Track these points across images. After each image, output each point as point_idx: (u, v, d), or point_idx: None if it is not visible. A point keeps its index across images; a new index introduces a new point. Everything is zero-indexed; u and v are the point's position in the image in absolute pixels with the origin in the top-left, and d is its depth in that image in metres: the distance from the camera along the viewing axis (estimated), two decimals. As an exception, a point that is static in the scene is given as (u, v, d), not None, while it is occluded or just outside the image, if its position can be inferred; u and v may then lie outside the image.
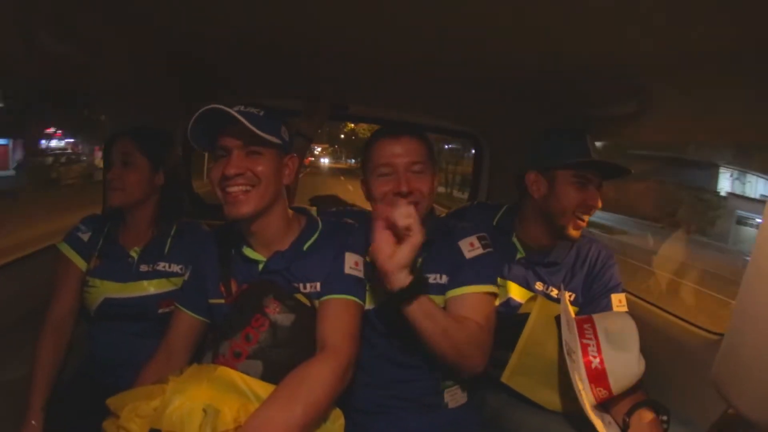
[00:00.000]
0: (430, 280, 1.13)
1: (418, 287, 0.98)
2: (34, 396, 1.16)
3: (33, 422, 1.15)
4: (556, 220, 1.23)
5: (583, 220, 1.22)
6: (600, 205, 1.22)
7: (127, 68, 1.39)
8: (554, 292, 1.26)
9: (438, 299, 1.12)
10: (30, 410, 1.15)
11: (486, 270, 1.12)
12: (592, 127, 1.38)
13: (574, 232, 1.23)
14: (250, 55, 1.29)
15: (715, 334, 1.15)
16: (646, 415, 0.99)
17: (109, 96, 1.56)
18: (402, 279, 0.97)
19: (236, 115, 0.95)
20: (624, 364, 1.03)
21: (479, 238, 1.16)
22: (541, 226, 1.29)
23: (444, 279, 1.14)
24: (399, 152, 1.12)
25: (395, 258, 0.96)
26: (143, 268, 1.31)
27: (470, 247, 1.14)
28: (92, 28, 1.09)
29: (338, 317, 1.00)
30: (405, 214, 0.96)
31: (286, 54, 1.26)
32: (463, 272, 1.12)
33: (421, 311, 0.98)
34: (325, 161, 42.18)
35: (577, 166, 1.21)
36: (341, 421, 0.95)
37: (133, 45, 1.23)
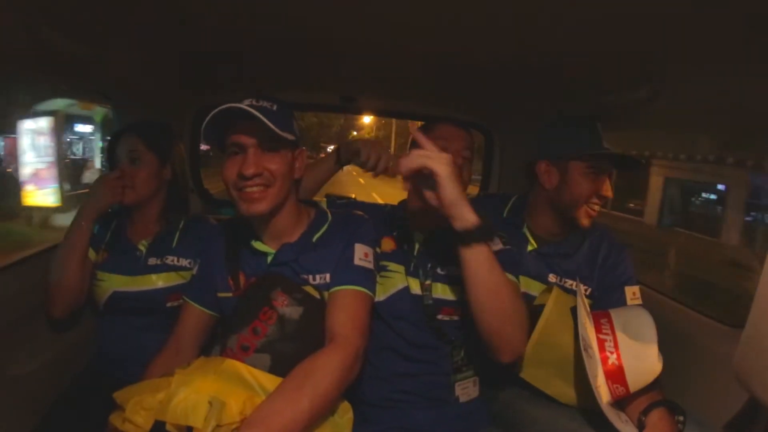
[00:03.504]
0: (446, 272, 1.13)
1: (485, 230, 0.95)
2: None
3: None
4: (568, 210, 1.21)
5: (594, 210, 1.20)
6: (611, 194, 1.20)
7: (132, 64, 1.39)
8: (568, 284, 1.23)
9: (457, 289, 1.12)
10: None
11: (505, 263, 1.09)
12: (600, 115, 1.35)
13: (585, 222, 1.21)
14: (255, 48, 1.28)
15: (733, 326, 1.12)
16: (663, 415, 0.96)
17: (115, 92, 1.55)
18: (466, 218, 0.93)
19: (258, 115, 0.92)
20: (642, 360, 1.00)
21: (498, 237, 1.15)
22: (551, 216, 1.26)
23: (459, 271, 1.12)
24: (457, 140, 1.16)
25: (441, 197, 0.92)
26: (151, 261, 1.32)
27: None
28: (97, 24, 1.08)
29: (347, 308, 0.99)
30: (413, 160, 0.93)
31: (292, 47, 1.24)
32: None
33: (483, 257, 0.95)
34: (339, 158, 46.33)
35: (592, 158, 1.18)
36: (350, 414, 0.93)
37: (141, 42, 1.23)
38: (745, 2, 0.69)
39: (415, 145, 1.21)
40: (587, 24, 0.88)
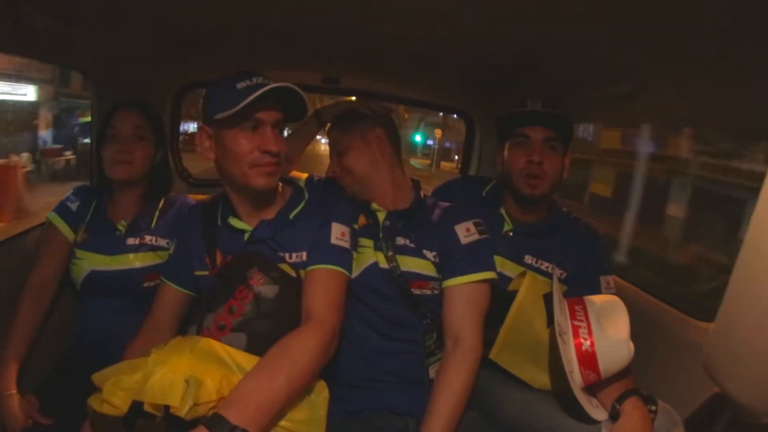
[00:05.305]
0: (408, 245, 1.15)
1: None
2: (8, 348, 1.16)
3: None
4: (512, 185, 1.27)
5: (533, 179, 1.23)
6: (548, 160, 1.22)
7: (113, 41, 1.35)
8: (544, 265, 1.26)
9: (422, 263, 1.14)
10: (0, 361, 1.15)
11: (482, 256, 1.13)
12: (586, 109, 1.36)
13: (527, 189, 1.24)
14: (238, 27, 1.26)
15: (703, 320, 1.15)
16: (637, 404, 0.98)
17: (95, 69, 1.52)
18: None
19: (304, 98, 0.98)
20: (614, 348, 1.02)
21: (475, 224, 1.15)
22: (513, 196, 1.31)
23: (433, 255, 1.14)
24: None
25: None
26: (130, 241, 1.30)
27: (466, 233, 1.13)
28: (80, 1, 1.05)
29: (324, 287, 1.00)
30: None
31: (275, 25, 1.23)
32: (459, 260, 1.12)
33: None
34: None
35: (515, 129, 1.25)
36: (325, 393, 0.94)
37: (122, 19, 1.20)
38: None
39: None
40: (568, 15, 0.88)
